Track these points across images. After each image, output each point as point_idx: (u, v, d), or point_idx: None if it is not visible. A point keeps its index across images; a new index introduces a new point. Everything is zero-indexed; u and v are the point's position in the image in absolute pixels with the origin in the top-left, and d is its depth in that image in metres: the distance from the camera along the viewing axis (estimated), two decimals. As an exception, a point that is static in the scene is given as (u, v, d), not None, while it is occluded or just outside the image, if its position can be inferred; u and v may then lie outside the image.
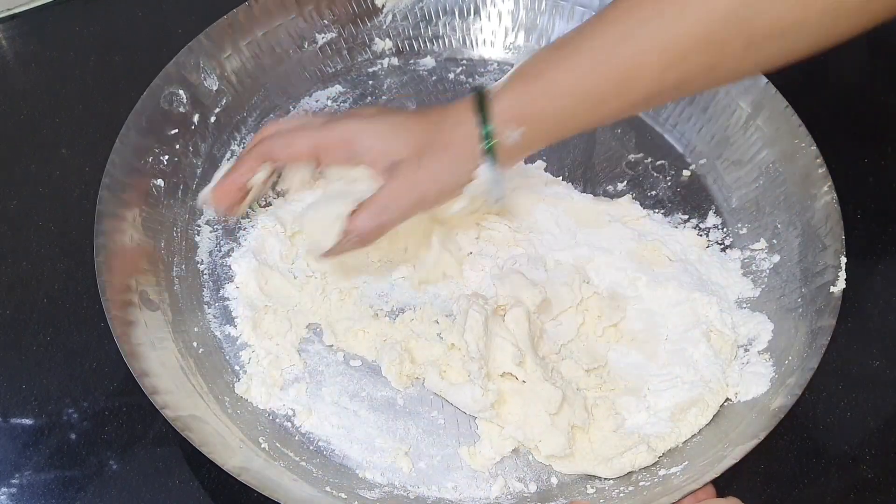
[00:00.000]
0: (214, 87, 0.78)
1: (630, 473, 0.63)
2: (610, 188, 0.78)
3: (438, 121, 0.62)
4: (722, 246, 0.75)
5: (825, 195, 0.70)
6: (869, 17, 0.55)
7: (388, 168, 0.61)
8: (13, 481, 0.63)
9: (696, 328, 0.68)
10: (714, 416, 0.65)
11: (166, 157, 0.74)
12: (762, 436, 0.59)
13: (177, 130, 0.75)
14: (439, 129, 0.62)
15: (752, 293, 0.71)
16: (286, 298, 0.70)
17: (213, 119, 0.78)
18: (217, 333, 0.69)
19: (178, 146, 0.75)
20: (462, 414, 0.65)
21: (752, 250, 0.73)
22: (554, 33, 0.85)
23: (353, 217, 0.62)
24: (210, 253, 0.73)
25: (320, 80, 0.84)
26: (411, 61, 0.86)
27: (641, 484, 0.62)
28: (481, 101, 0.60)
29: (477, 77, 0.85)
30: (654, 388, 0.66)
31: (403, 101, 0.83)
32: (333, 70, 0.84)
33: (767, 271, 0.72)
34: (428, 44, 0.86)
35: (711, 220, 0.76)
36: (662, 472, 0.62)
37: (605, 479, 0.63)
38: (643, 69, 0.57)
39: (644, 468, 0.63)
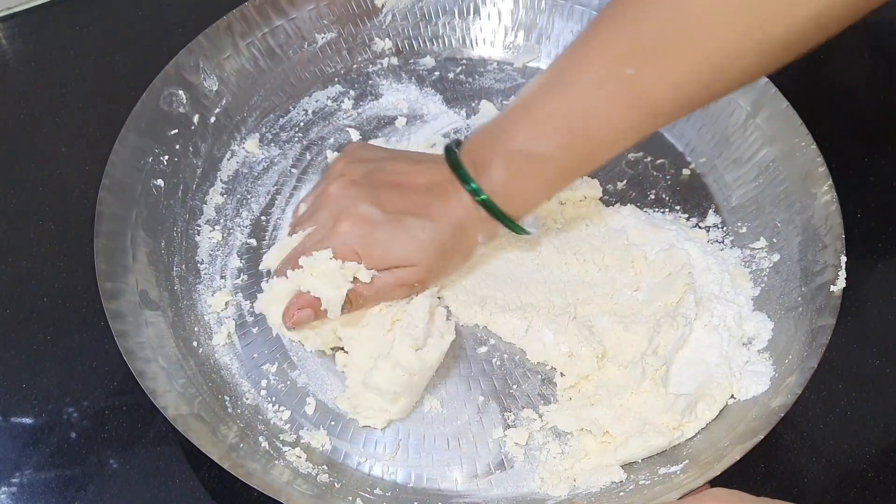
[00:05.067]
0: (214, 88, 0.78)
1: (631, 469, 0.63)
2: (609, 187, 0.77)
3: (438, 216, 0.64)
4: (721, 245, 0.75)
5: (825, 194, 0.70)
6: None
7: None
8: (13, 480, 0.63)
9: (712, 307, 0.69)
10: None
11: (166, 157, 0.74)
12: (762, 435, 0.59)
13: (176, 131, 0.75)
14: (442, 226, 0.64)
15: (751, 292, 0.71)
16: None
17: (212, 119, 0.78)
18: (217, 333, 0.69)
19: (177, 146, 0.75)
20: (463, 409, 0.66)
21: (752, 249, 0.73)
22: (553, 32, 0.85)
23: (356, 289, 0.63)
24: (210, 252, 0.73)
25: (320, 80, 0.84)
26: (411, 61, 0.86)
27: (642, 482, 0.62)
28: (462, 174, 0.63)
29: (477, 76, 0.85)
30: (675, 372, 0.67)
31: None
32: (333, 70, 0.84)
33: (767, 270, 0.72)
34: (427, 43, 0.86)
35: (711, 218, 0.76)
36: (662, 470, 0.62)
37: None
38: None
39: (644, 467, 0.63)
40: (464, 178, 0.63)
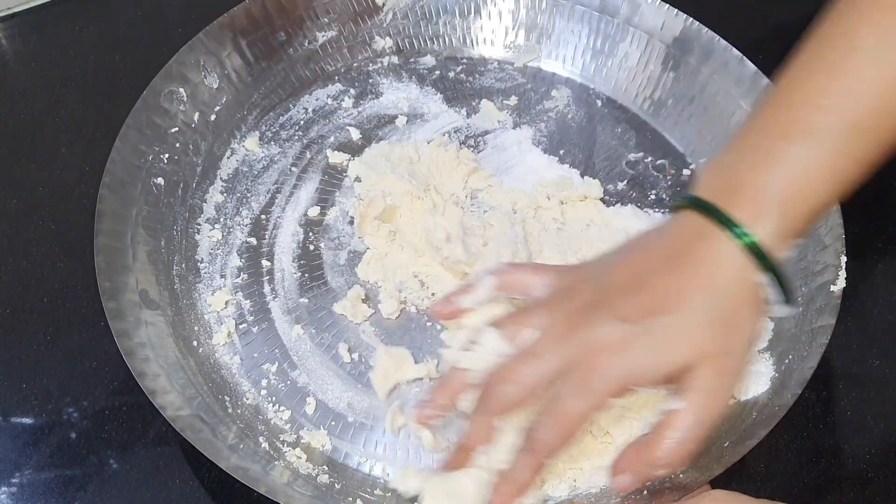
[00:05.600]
0: (214, 86, 0.78)
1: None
2: (610, 187, 0.78)
3: (664, 263, 0.51)
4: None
5: (825, 194, 0.70)
6: None
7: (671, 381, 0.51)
8: (13, 480, 0.63)
9: None
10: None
11: (166, 155, 0.74)
12: (762, 435, 0.59)
13: (177, 129, 0.75)
14: (724, 321, 0.50)
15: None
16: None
17: (213, 117, 0.78)
18: (217, 332, 0.69)
19: (178, 145, 0.75)
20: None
21: (753, 249, 0.73)
22: (554, 32, 0.85)
23: (652, 451, 0.51)
24: (210, 251, 0.73)
25: (320, 79, 0.83)
26: (411, 60, 0.86)
27: (641, 483, 0.62)
28: (705, 207, 0.51)
29: (477, 76, 0.85)
30: None
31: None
32: (333, 68, 0.84)
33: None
34: (428, 42, 0.86)
35: (711, 219, 0.76)
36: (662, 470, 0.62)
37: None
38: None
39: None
40: (724, 223, 0.50)
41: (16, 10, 0.87)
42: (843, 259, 0.67)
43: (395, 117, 0.82)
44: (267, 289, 0.71)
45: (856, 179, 0.51)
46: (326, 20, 0.83)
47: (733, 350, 0.51)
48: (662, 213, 0.76)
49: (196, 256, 0.72)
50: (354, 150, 0.79)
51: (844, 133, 0.50)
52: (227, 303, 0.70)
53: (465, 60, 0.86)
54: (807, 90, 0.51)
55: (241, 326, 0.69)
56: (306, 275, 0.72)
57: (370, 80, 0.84)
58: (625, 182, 0.78)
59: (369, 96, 0.83)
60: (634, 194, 0.77)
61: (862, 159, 0.51)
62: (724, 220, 0.50)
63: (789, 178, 0.50)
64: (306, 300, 0.71)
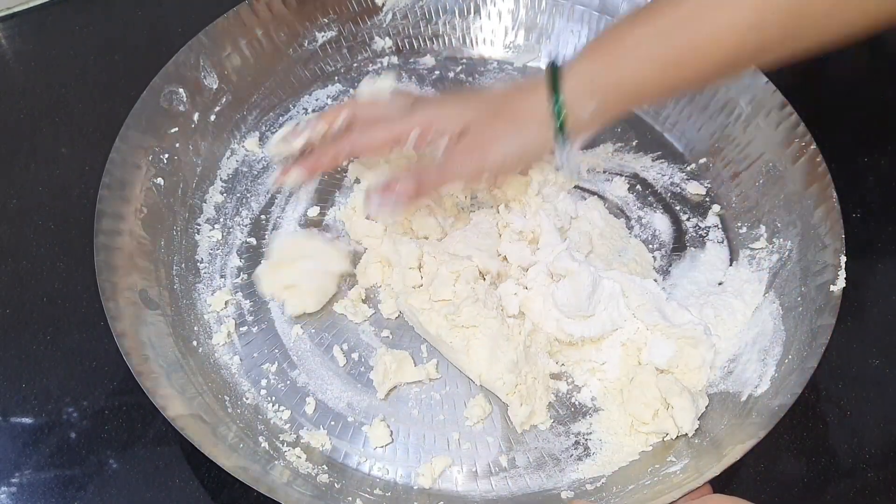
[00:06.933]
0: (214, 86, 0.78)
1: (632, 468, 0.63)
2: (610, 186, 0.78)
3: (512, 93, 0.65)
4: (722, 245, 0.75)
5: (825, 194, 0.70)
6: None
7: (459, 134, 0.63)
8: (13, 480, 0.63)
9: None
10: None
11: (166, 155, 0.74)
12: (762, 435, 0.59)
13: (177, 129, 0.75)
14: (511, 100, 0.64)
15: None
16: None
17: (212, 117, 0.78)
18: (217, 332, 0.69)
19: (177, 145, 0.75)
20: (463, 409, 0.66)
21: (752, 249, 0.73)
22: (554, 32, 0.85)
23: (414, 174, 0.64)
24: (210, 251, 0.73)
25: (320, 79, 0.84)
26: (411, 60, 0.86)
27: (642, 482, 0.62)
28: (554, 74, 0.61)
29: (477, 76, 0.85)
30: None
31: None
32: (333, 68, 0.84)
33: (767, 270, 0.72)
34: (428, 42, 0.86)
35: (711, 219, 0.76)
36: (663, 470, 0.62)
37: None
38: (722, 33, 0.58)
39: (645, 466, 0.63)
40: (553, 88, 0.61)
41: (16, 10, 0.87)
42: (843, 259, 0.67)
43: (395, 117, 0.82)
44: (267, 289, 0.71)
45: (665, 89, 0.64)
46: (326, 20, 0.83)
47: (500, 128, 0.63)
48: (661, 212, 0.76)
49: (196, 256, 0.72)
50: (354, 149, 0.79)
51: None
52: (226, 303, 0.70)
53: (464, 60, 0.86)
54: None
55: (240, 327, 0.69)
56: (306, 275, 0.72)
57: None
58: (625, 181, 0.78)
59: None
60: (634, 194, 0.77)
61: (674, 76, 0.61)
62: (555, 81, 0.61)
63: (614, 69, 0.61)
64: (306, 300, 0.71)
